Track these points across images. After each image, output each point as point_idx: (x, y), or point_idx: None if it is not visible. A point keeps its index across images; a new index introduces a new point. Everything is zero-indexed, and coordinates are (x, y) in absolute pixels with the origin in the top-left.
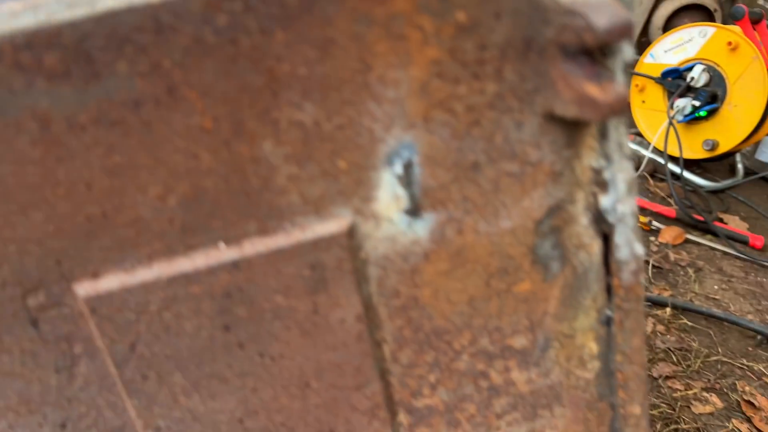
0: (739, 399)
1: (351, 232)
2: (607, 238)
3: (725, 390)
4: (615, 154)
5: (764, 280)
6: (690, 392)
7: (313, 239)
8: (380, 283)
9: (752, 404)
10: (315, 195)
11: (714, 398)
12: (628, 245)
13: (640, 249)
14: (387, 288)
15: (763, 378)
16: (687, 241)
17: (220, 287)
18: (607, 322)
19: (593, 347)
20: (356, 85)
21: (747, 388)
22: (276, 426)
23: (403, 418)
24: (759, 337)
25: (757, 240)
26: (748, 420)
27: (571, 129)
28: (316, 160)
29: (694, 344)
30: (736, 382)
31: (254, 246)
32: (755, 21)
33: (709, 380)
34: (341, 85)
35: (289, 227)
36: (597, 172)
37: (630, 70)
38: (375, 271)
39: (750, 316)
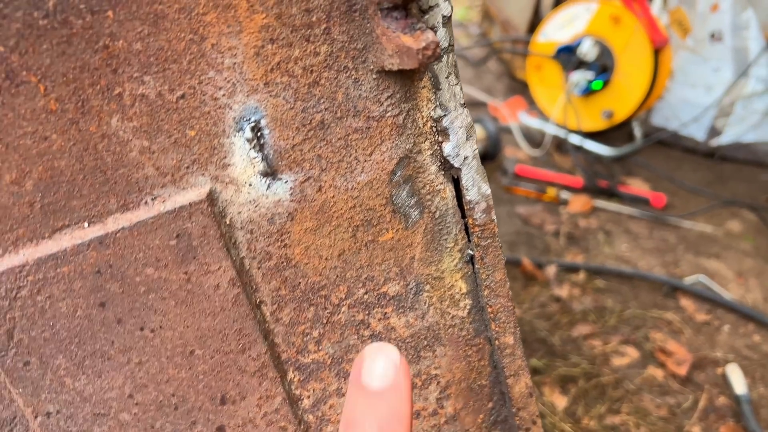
0: (652, 347)
1: (211, 199)
2: (457, 183)
3: (640, 341)
4: (450, 103)
5: (667, 235)
6: (608, 347)
7: (174, 209)
8: (250, 246)
9: (664, 350)
10: (170, 166)
11: (630, 350)
12: (475, 186)
13: (486, 188)
14: (258, 250)
15: (673, 324)
16: (595, 207)
17: (89, 265)
18: (471, 260)
19: (462, 286)
20: (193, 55)
21: (659, 336)
22: (167, 397)
23: (292, 375)
24: (665, 287)
25: (658, 199)
26: (662, 365)
27: (405, 82)
28: (165, 131)
29: (608, 302)
30: (649, 331)
31: (117, 222)
32: None
33: (624, 334)
34: (178, 56)
35: (149, 200)
36: (436, 120)
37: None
38: (243, 235)
39: (657, 270)
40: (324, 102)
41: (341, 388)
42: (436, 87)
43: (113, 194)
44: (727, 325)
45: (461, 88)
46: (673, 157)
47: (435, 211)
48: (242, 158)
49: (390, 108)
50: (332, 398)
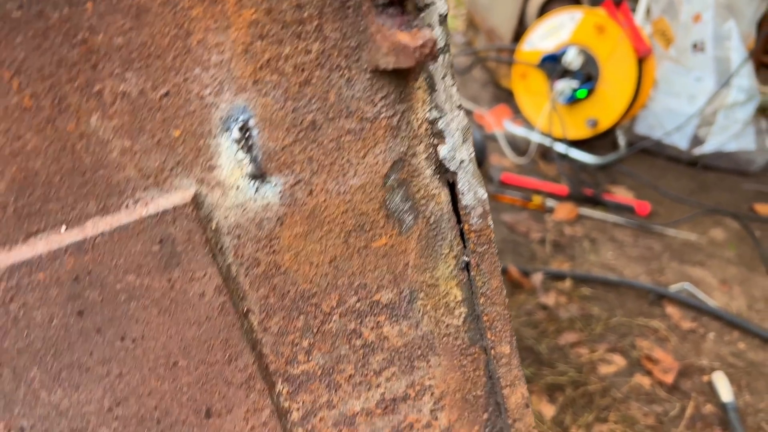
0: (639, 355)
1: (196, 203)
2: (452, 188)
3: (626, 348)
4: (446, 105)
5: (652, 243)
6: (595, 355)
7: (157, 213)
8: (237, 252)
9: (651, 358)
10: (153, 167)
11: (617, 358)
12: (471, 191)
13: (482, 193)
14: (245, 257)
15: (659, 332)
16: (580, 215)
17: (67, 272)
18: (466, 267)
19: (457, 294)
20: (177, 51)
21: (645, 344)
22: (149, 410)
23: (281, 387)
24: (651, 295)
25: (642, 207)
26: (649, 373)
27: (400, 82)
28: (148, 131)
29: (595, 310)
30: (635, 339)
31: (97, 226)
32: (617, 2)
33: (611, 342)
34: (162, 52)
35: (131, 203)
36: (432, 123)
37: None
38: (230, 240)
39: (642, 277)
40: (315, 102)
41: (332, 400)
42: (431, 88)
43: (92, 197)
44: (713, 333)
45: (457, 90)
46: (656, 166)
47: (430, 217)
48: (229, 160)
49: (384, 109)
50: (322, 411)
